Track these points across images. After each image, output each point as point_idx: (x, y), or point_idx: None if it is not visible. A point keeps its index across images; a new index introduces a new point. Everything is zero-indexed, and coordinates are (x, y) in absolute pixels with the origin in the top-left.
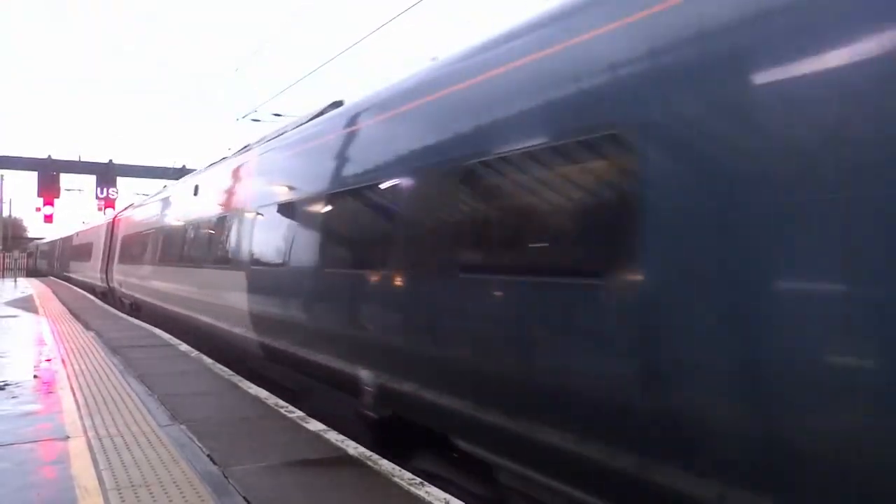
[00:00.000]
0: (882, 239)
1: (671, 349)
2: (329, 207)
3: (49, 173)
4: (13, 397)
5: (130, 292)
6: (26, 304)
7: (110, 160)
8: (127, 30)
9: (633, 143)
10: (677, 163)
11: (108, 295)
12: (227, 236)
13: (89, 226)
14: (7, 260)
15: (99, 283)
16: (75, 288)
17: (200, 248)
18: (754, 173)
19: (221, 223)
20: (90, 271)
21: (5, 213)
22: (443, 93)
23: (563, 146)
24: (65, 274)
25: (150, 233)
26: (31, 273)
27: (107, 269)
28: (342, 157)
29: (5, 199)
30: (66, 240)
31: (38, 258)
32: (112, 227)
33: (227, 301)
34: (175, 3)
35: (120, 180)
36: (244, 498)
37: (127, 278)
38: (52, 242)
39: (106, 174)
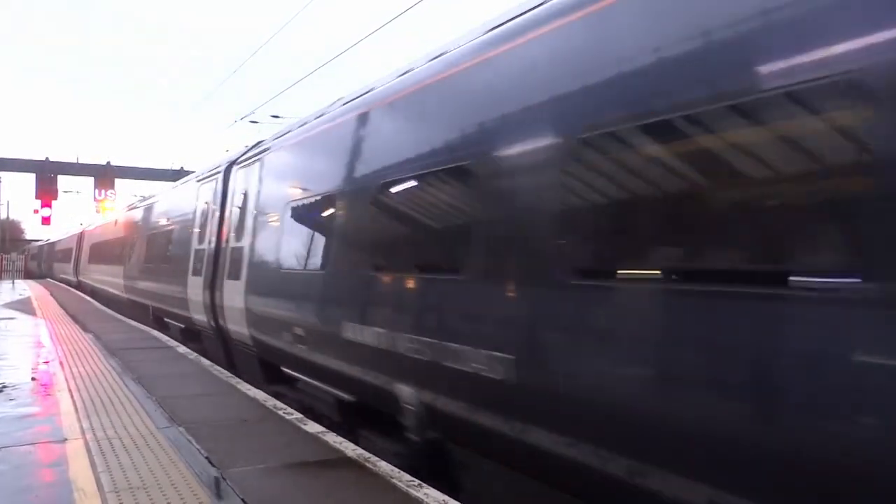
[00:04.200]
0: None
1: None
2: None
3: (47, 175)
4: (11, 399)
5: None
6: (24, 307)
7: (108, 162)
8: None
9: None
10: None
11: None
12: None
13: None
14: (5, 262)
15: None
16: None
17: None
18: None
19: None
20: None
21: (3, 216)
22: None
23: None
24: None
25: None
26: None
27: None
28: None
29: (3, 201)
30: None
31: (82, 257)
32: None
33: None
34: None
35: (118, 182)
36: (242, 500)
37: None
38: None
39: (104, 176)
